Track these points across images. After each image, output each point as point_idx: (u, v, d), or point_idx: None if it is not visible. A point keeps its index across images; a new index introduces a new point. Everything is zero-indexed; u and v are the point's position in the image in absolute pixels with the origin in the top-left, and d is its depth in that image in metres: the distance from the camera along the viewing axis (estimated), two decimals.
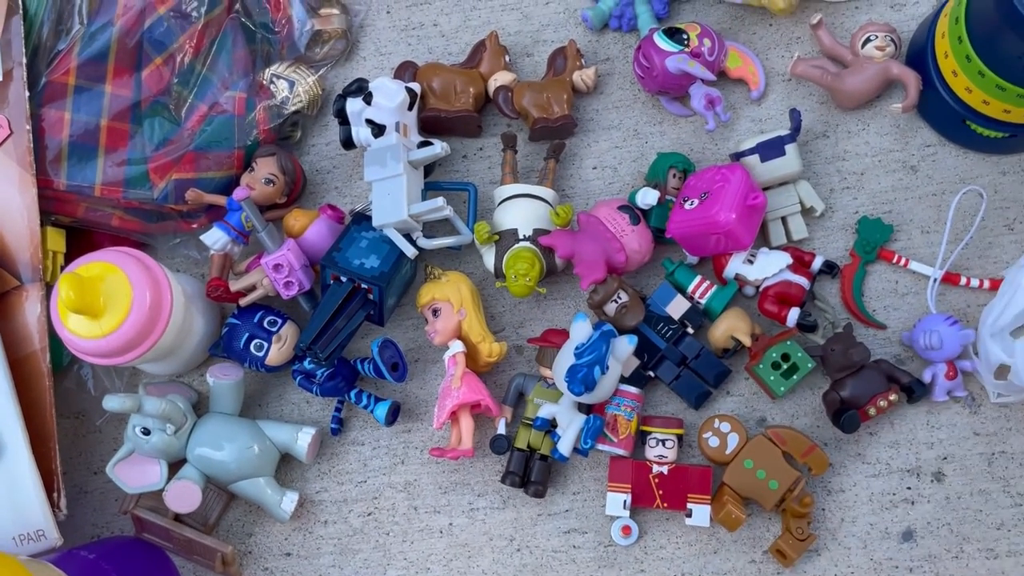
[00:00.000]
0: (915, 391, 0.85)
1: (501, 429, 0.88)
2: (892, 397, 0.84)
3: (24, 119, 0.85)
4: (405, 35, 1.00)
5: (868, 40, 0.91)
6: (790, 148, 0.88)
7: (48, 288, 0.87)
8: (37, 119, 0.86)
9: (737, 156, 0.89)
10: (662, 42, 0.90)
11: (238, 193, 0.86)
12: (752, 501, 0.85)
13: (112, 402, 0.81)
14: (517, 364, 0.92)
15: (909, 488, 0.87)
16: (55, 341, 0.87)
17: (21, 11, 0.86)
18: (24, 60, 0.86)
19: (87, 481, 0.93)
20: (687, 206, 0.86)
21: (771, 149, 0.88)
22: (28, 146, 0.85)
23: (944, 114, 0.90)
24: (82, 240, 0.93)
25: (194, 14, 0.90)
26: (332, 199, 0.97)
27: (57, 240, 0.90)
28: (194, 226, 0.93)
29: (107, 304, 0.79)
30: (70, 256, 0.90)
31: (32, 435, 0.84)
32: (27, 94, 0.85)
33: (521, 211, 0.90)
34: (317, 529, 0.91)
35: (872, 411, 0.84)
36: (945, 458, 0.87)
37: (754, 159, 0.88)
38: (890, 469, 0.87)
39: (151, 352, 0.82)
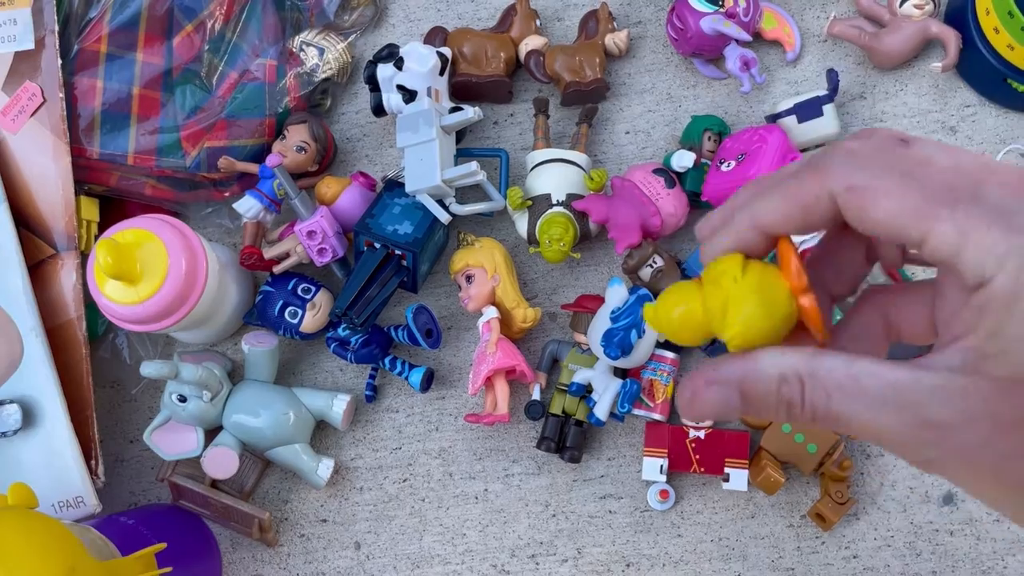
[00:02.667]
0: None
1: (536, 395, 0.87)
2: None
3: (57, 87, 0.85)
4: (434, 1, 0.99)
5: None
6: (828, 108, 0.86)
7: (83, 257, 0.87)
8: (70, 87, 0.86)
9: (774, 117, 0.88)
10: (697, 3, 0.88)
11: (271, 160, 0.86)
12: (790, 465, 0.84)
13: (149, 368, 0.82)
14: (551, 331, 0.92)
15: None
16: (91, 310, 0.87)
17: None
18: (56, 28, 0.85)
19: (124, 449, 0.94)
20: (724, 168, 0.85)
21: (809, 110, 0.87)
22: (61, 114, 0.85)
23: (985, 73, 0.88)
24: (114, 209, 0.93)
25: None
26: (363, 167, 0.97)
27: (91, 209, 0.90)
28: (226, 195, 0.93)
29: (144, 270, 0.79)
30: (103, 226, 0.90)
31: (69, 403, 0.84)
32: (60, 62, 0.85)
33: (554, 176, 0.89)
34: (353, 496, 0.91)
35: None
36: None
37: (791, 120, 0.87)
38: None
39: (187, 319, 0.82)
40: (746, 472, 0.84)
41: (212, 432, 0.88)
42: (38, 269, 0.86)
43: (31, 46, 0.86)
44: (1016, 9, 0.80)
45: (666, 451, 0.85)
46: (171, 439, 0.86)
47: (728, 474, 0.84)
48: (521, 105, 0.96)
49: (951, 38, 0.87)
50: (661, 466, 0.85)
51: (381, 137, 0.97)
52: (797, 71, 0.94)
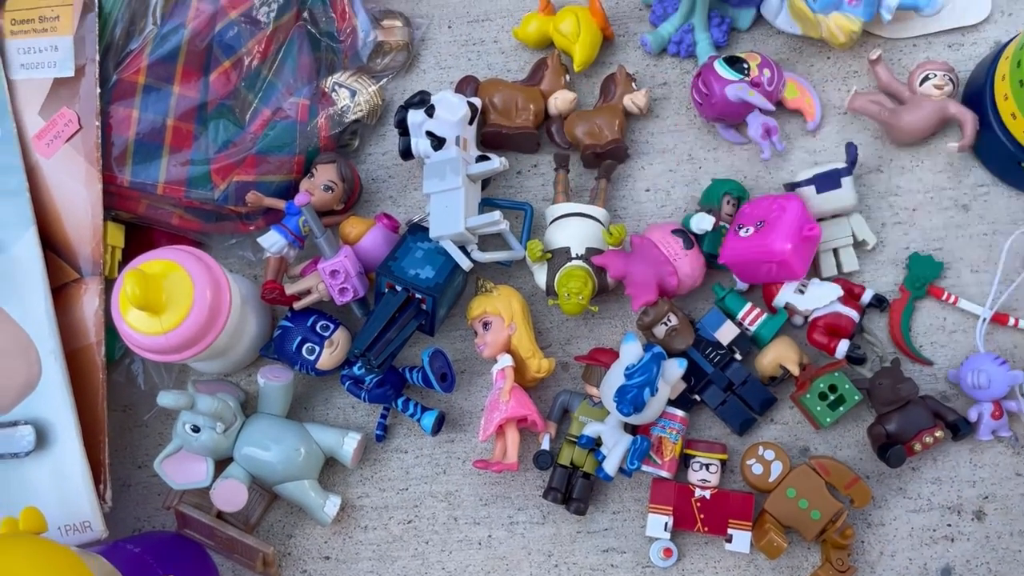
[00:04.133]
0: (960, 429, 0.85)
1: (545, 445, 0.88)
2: (938, 434, 0.85)
3: (94, 115, 0.87)
4: (465, 50, 1.01)
5: (927, 78, 0.92)
6: (846, 181, 0.89)
7: (107, 282, 0.88)
8: (106, 116, 0.88)
9: (793, 186, 0.90)
10: (723, 70, 0.91)
11: (299, 198, 0.88)
12: (793, 530, 0.85)
13: (166, 399, 0.82)
14: (563, 381, 0.93)
15: (950, 525, 0.87)
16: (110, 334, 0.88)
17: (97, 9, 0.88)
18: (97, 57, 0.87)
19: (131, 475, 0.94)
20: (742, 233, 0.86)
21: (827, 181, 0.89)
22: (96, 142, 0.87)
23: (999, 155, 0.90)
24: (140, 236, 0.94)
25: (264, 20, 0.91)
26: (387, 208, 0.98)
27: (116, 235, 0.91)
28: (251, 228, 0.94)
29: (169, 301, 0.80)
30: (127, 251, 0.92)
31: (83, 427, 0.85)
32: (98, 91, 0.87)
33: (573, 230, 0.91)
34: (357, 534, 0.91)
35: (917, 447, 0.84)
36: (987, 497, 0.87)
37: (810, 190, 0.89)
38: (931, 505, 0.88)
39: (207, 351, 0.83)
40: (749, 534, 0.85)
41: (221, 462, 0.88)
42: (61, 292, 0.87)
43: (71, 73, 0.88)
44: None
45: (671, 508, 0.86)
46: (181, 468, 0.87)
47: (731, 535, 0.85)
48: (545, 156, 0.98)
49: (968, 119, 0.90)
50: (666, 523, 0.86)
51: (406, 180, 0.99)
52: (816, 140, 0.96)
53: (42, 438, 0.84)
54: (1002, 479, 0.88)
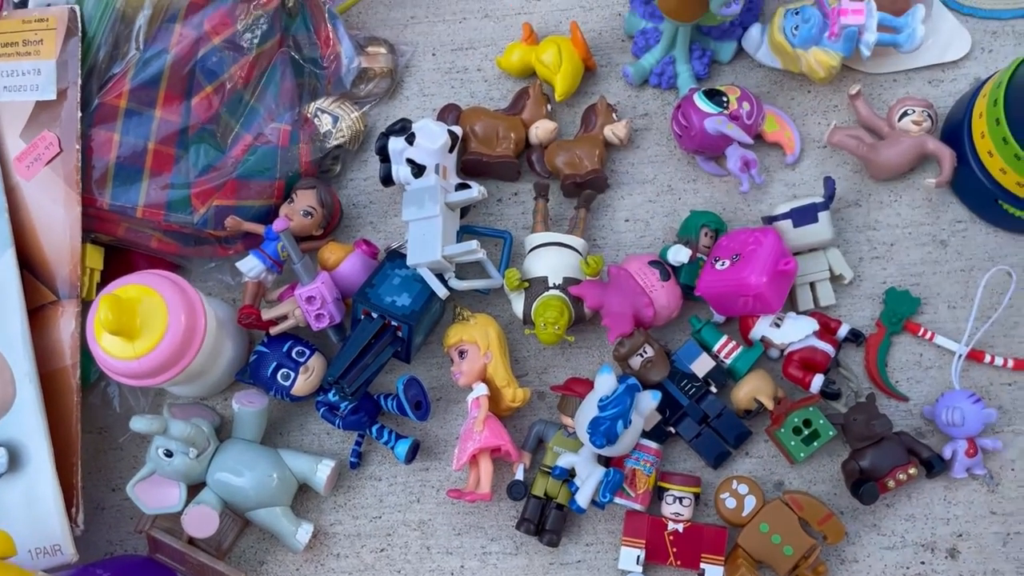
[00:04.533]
0: (935, 466, 0.85)
1: (519, 475, 0.88)
2: (912, 471, 0.84)
3: (75, 138, 0.87)
4: (449, 78, 1.02)
5: (905, 114, 0.92)
6: (823, 216, 0.89)
7: (84, 304, 0.88)
8: (87, 139, 0.88)
9: (770, 220, 0.91)
10: (702, 103, 0.91)
11: (278, 224, 0.88)
12: (765, 565, 0.85)
13: (139, 424, 0.82)
14: (538, 410, 0.93)
15: (923, 563, 0.87)
16: (85, 356, 0.88)
17: (80, 33, 0.88)
18: (79, 81, 0.88)
19: (104, 497, 0.94)
20: (718, 266, 0.87)
21: (804, 215, 0.89)
22: (76, 165, 0.87)
23: (977, 192, 0.91)
24: (119, 258, 0.94)
25: (247, 46, 0.92)
26: (366, 233, 0.98)
27: (95, 257, 0.91)
28: (230, 252, 0.95)
29: (143, 326, 0.80)
30: (105, 273, 0.92)
31: (56, 449, 0.85)
32: (79, 114, 0.87)
33: (551, 259, 0.91)
34: (329, 562, 0.91)
35: (891, 483, 0.84)
36: (960, 535, 0.87)
37: (787, 224, 0.89)
38: (905, 542, 0.87)
39: (181, 375, 0.83)
40: (722, 569, 0.85)
41: (194, 487, 0.88)
42: (38, 314, 0.88)
43: (53, 96, 0.88)
44: (1011, 136, 0.83)
45: (644, 542, 0.85)
46: (154, 493, 0.87)
47: (704, 569, 0.85)
48: (525, 184, 0.98)
49: (946, 156, 0.90)
50: (638, 556, 0.85)
51: (387, 205, 0.99)
52: (795, 174, 0.96)
53: (14, 460, 0.84)
54: (976, 517, 0.87)
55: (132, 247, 0.93)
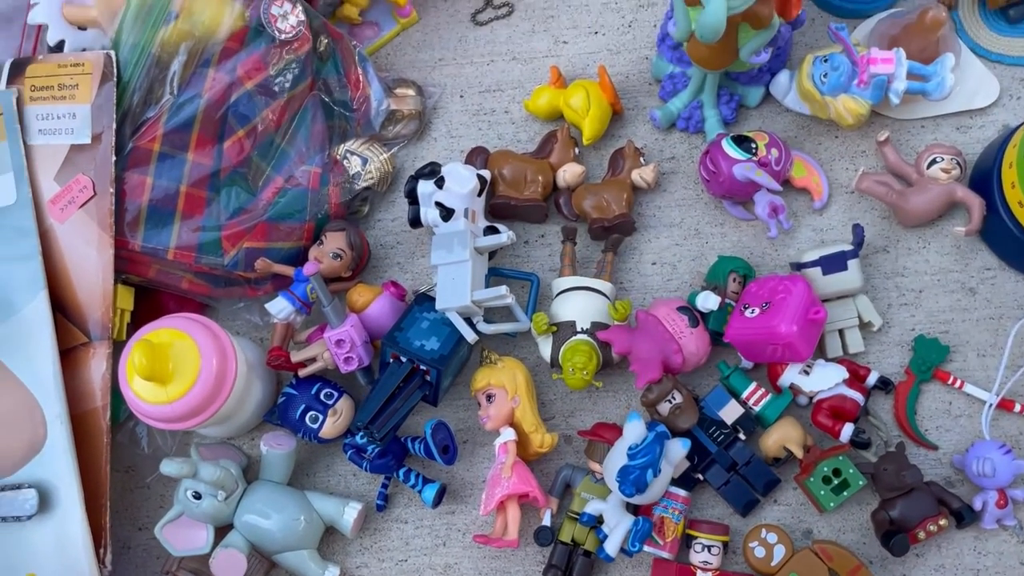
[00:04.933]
0: (964, 517, 0.85)
1: (546, 520, 0.88)
2: (942, 522, 0.84)
3: (109, 182, 0.88)
4: (476, 119, 1.03)
5: (934, 161, 0.92)
6: (852, 264, 0.89)
7: (115, 345, 0.88)
8: (120, 182, 0.89)
9: (799, 267, 0.91)
10: (730, 149, 0.91)
11: (308, 268, 0.88)
12: None
13: (169, 467, 0.83)
14: (565, 454, 0.93)
15: None
16: (114, 395, 0.88)
17: (115, 78, 0.89)
18: (114, 125, 0.89)
19: (131, 537, 0.94)
20: (747, 314, 0.87)
21: (833, 263, 0.89)
22: (110, 208, 0.88)
23: (1006, 240, 0.91)
24: (149, 299, 0.95)
25: (278, 90, 0.93)
26: (394, 274, 0.99)
27: (126, 298, 0.92)
28: (259, 293, 0.95)
29: (175, 371, 0.81)
30: (136, 315, 0.92)
31: (86, 490, 0.85)
32: (113, 158, 0.88)
33: (579, 303, 0.91)
34: None
35: (921, 534, 0.84)
36: None
37: (816, 271, 0.89)
38: None
39: (211, 419, 0.83)
40: None
41: (221, 529, 0.88)
42: (69, 355, 0.88)
43: (87, 140, 0.89)
44: None
45: None
46: (182, 534, 0.87)
47: None
48: (553, 227, 0.99)
49: (976, 204, 0.90)
50: None
51: (414, 247, 0.99)
52: (823, 219, 0.96)
53: (45, 501, 0.84)
54: (1006, 568, 0.87)
55: (162, 288, 0.94)
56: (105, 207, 0.88)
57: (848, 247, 0.89)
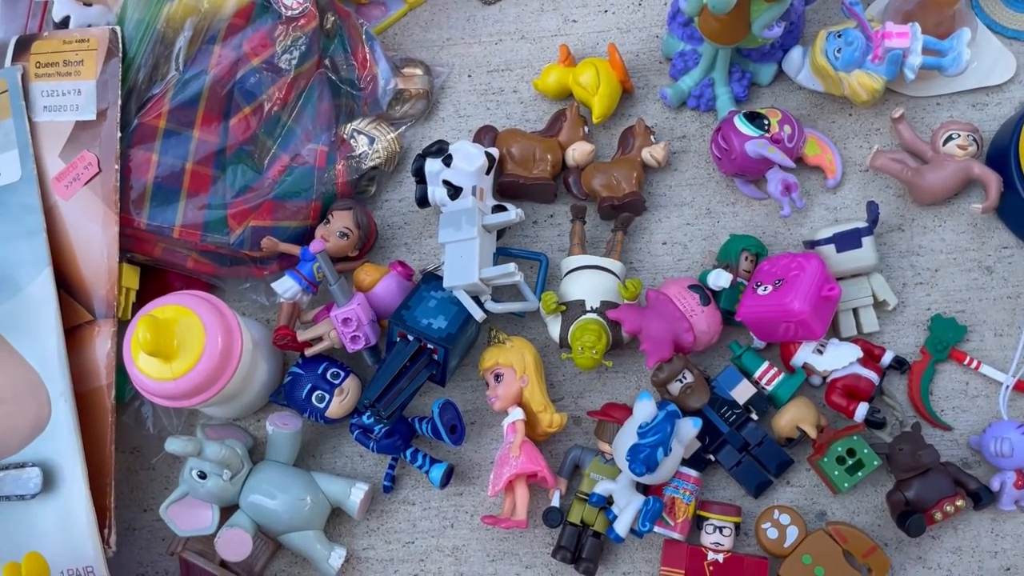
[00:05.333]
0: (982, 498, 0.83)
1: (555, 501, 0.87)
2: (959, 503, 0.82)
3: (113, 158, 0.87)
4: (484, 99, 1.02)
5: (950, 138, 0.91)
6: (867, 241, 0.87)
7: (120, 324, 0.88)
8: (125, 159, 0.88)
9: (812, 244, 0.89)
10: (743, 126, 0.90)
11: (315, 246, 0.88)
12: None
13: (174, 445, 0.82)
14: (574, 435, 0.92)
15: None
16: (120, 375, 0.88)
17: (120, 54, 0.89)
18: (119, 102, 0.88)
19: (136, 518, 0.93)
20: (760, 291, 0.85)
21: (848, 240, 0.87)
22: (115, 185, 0.87)
23: None
24: (154, 278, 0.94)
25: (285, 67, 0.92)
26: (401, 255, 0.98)
27: (131, 277, 0.91)
28: (265, 272, 0.94)
29: (180, 347, 0.80)
30: (140, 293, 0.92)
31: (90, 469, 0.84)
32: (118, 135, 0.88)
33: (588, 282, 0.90)
34: None
35: (938, 515, 0.82)
36: (1008, 568, 0.85)
37: (829, 249, 0.88)
38: None
39: (217, 397, 0.82)
40: None
41: (227, 510, 0.87)
42: (74, 333, 0.87)
43: (92, 117, 0.88)
44: None
45: (683, 571, 0.84)
46: (187, 514, 0.86)
47: None
48: (562, 206, 0.97)
49: (993, 181, 0.89)
50: None
51: (422, 227, 0.98)
52: (837, 198, 0.95)
53: (49, 480, 0.83)
54: None
55: (168, 267, 0.93)
56: (110, 184, 0.87)
57: (862, 224, 0.88)
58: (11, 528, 0.84)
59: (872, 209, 0.89)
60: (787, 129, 0.91)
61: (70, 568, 0.84)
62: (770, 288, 0.85)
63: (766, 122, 0.90)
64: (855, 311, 0.90)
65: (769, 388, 0.87)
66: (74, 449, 0.84)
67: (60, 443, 0.84)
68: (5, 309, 0.86)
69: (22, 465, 0.84)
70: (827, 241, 0.88)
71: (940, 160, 0.91)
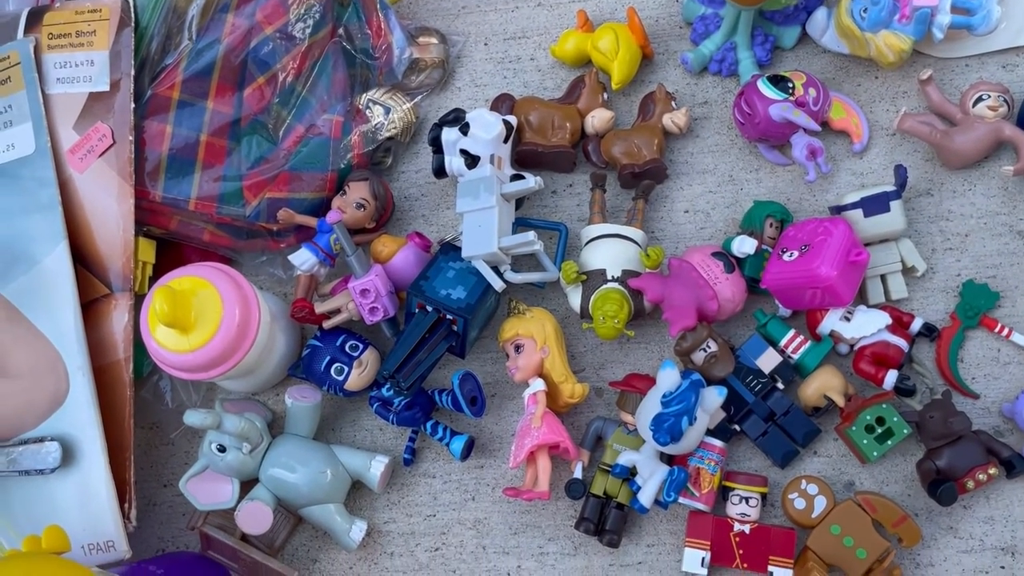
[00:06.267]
0: (1015, 466, 0.81)
1: (578, 473, 0.86)
2: (991, 471, 0.80)
3: (128, 130, 0.86)
4: (501, 68, 1.00)
5: (980, 99, 0.88)
6: (895, 205, 0.85)
7: (137, 298, 0.87)
8: (139, 131, 0.87)
9: (839, 209, 0.87)
10: (766, 89, 0.88)
11: (331, 216, 0.86)
12: (837, 569, 0.82)
13: (193, 417, 0.81)
14: (596, 407, 0.90)
15: (1003, 567, 0.83)
16: (138, 350, 0.87)
17: (133, 24, 0.87)
18: (132, 72, 0.87)
19: (156, 493, 0.93)
20: (786, 257, 0.83)
21: (875, 204, 0.85)
22: (129, 156, 0.86)
23: None
24: (170, 252, 0.93)
25: (299, 36, 0.91)
26: (419, 226, 0.96)
27: (147, 250, 0.90)
28: (282, 245, 0.93)
29: (197, 319, 0.79)
30: (157, 268, 0.91)
31: (109, 444, 0.84)
32: (132, 106, 0.87)
33: (610, 251, 0.88)
34: (383, 561, 0.89)
35: (970, 484, 0.80)
36: None
37: (857, 214, 0.86)
38: (983, 546, 0.83)
39: (235, 369, 0.82)
40: (791, 572, 0.81)
41: (247, 484, 0.86)
42: (91, 307, 0.87)
43: (106, 88, 0.87)
44: None
45: (709, 543, 0.82)
46: (207, 488, 0.85)
47: (772, 572, 0.82)
48: (581, 176, 0.96)
49: (1023, 142, 0.86)
50: (703, 558, 0.82)
51: (439, 198, 0.97)
52: (863, 162, 0.93)
53: (68, 455, 0.83)
54: None
55: (184, 240, 0.92)
56: (124, 155, 0.86)
57: (890, 188, 0.86)
58: (31, 503, 0.84)
59: (900, 172, 0.86)
60: (812, 92, 0.88)
61: (90, 542, 0.83)
62: (796, 254, 0.83)
63: (790, 85, 0.88)
64: (883, 277, 0.88)
65: (795, 357, 0.85)
66: (93, 423, 0.83)
67: (79, 417, 0.84)
68: (22, 284, 0.86)
69: (41, 440, 0.83)
70: (854, 206, 0.86)
71: (970, 122, 0.89)
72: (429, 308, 0.85)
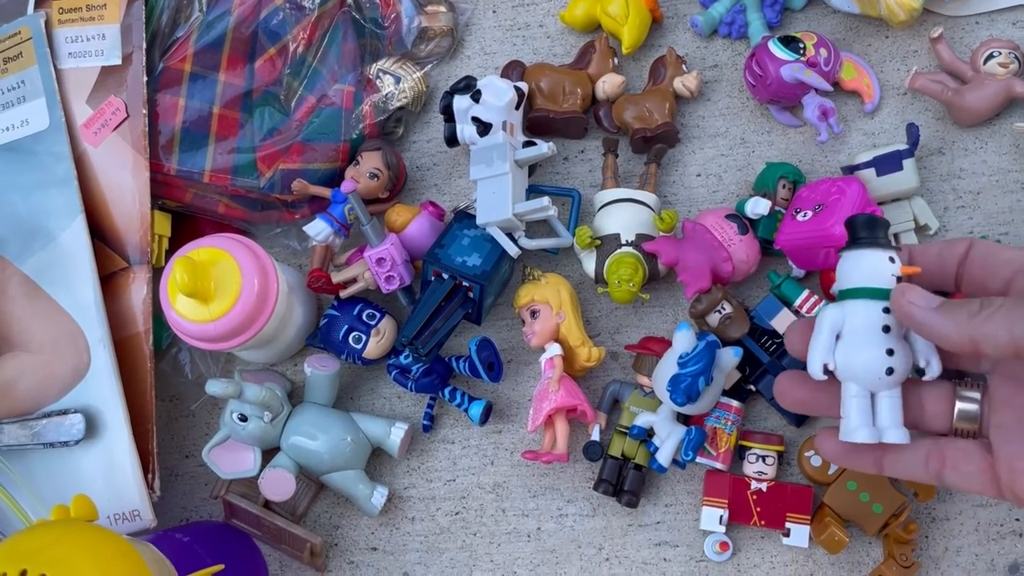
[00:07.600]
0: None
1: (595, 436, 0.86)
2: None
3: (141, 103, 0.86)
4: (511, 35, 1.00)
5: (991, 56, 0.88)
6: (908, 163, 0.85)
7: (154, 271, 0.88)
8: (152, 104, 0.87)
9: (851, 169, 0.87)
10: (777, 50, 0.88)
11: (346, 186, 0.87)
12: (853, 524, 0.83)
13: (214, 387, 0.82)
14: (612, 371, 0.91)
15: (1018, 520, 0.84)
16: (157, 323, 0.88)
17: None
18: (144, 45, 0.87)
19: (178, 464, 0.94)
20: (799, 218, 0.84)
21: (888, 163, 0.86)
22: (143, 130, 0.86)
23: None
24: (186, 225, 0.94)
25: (309, 5, 0.91)
26: (431, 196, 0.97)
27: (163, 224, 0.91)
28: (296, 216, 0.94)
29: (217, 289, 0.80)
30: (173, 241, 0.91)
31: (131, 416, 0.85)
32: (145, 79, 0.87)
33: (623, 216, 0.88)
34: (404, 525, 0.90)
35: None
36: None
37: (869, 173, 0.86)
38: (998, 500, 0.84)
39: (254, 340, 0.82)
40: (808, 528, 0.82)
41: (268, 453, 0.87)
42: (109, 281, 0.87)
43: (118, 61, 0.87)
44: None
45: (726, 501, 0.84)
46: (229, 457, 0.86)
47: (789, 529, 0.83)
48: (592, 142, 0.96)
49: None
50: (721, 516, 0.83)
51: (451, 167, 0.97)
52: (875, 122, 0.93)
53: (91, 427, 0.84)
54: None
55: (199, 213, 0.93)
56: (139, 129, 0.86)
57: (903, 147, 0.86)
58: (56, 475, 0.85)
59: (912, 131, 0.86)
60: (823, 52, 0.88)
61: (116, 512, 0.84)
62: (810, 214, 0.83)
63: (801, 46, 0.88)
64: (896, 236, 0.88)
65: (810, 316, 0.86)
66: (115, 395, 0.84)
67: (101, 389, 0.84)
68: (40, 259, 0.86)
69: (64, 412, 0.84)
70: (867, 165, 0.86)
71: (981, 79, 0.89)
72: (445, 276, 0.86)
